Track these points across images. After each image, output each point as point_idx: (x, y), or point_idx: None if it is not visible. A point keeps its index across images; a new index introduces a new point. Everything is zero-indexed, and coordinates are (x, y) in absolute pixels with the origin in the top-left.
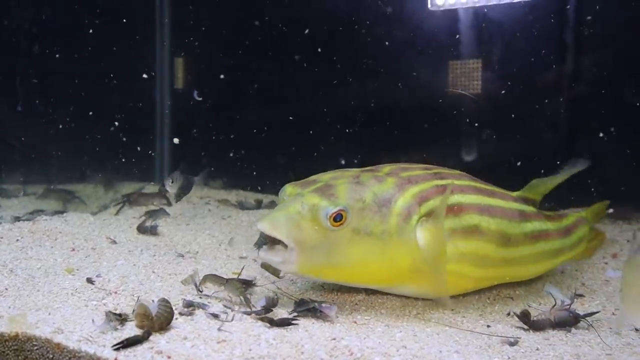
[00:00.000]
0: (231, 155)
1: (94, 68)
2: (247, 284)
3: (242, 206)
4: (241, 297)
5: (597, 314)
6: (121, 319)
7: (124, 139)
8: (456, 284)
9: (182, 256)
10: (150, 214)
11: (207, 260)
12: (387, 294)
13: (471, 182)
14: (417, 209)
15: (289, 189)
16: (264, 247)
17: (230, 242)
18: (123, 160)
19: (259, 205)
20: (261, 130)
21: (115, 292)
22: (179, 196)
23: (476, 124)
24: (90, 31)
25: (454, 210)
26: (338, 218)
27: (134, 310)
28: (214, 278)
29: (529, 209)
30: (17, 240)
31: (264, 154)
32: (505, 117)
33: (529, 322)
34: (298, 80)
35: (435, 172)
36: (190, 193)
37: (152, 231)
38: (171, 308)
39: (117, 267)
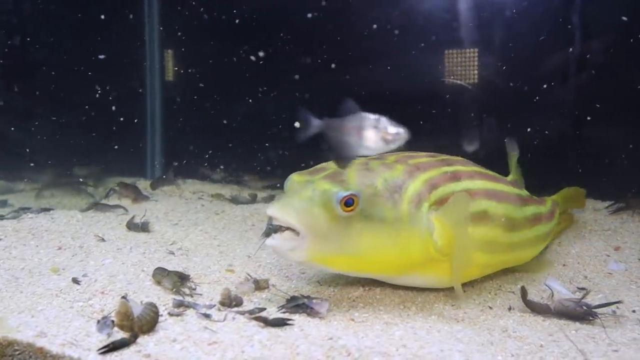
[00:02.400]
0: (224, 148)
1: (81, 61)
2: (184, 278)
3: (236, 201)
4: (175, 290)
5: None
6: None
7: (114, 134)
8: (463, 271)
9: (173, 253)
10: (99, 208)
11: (199, 257)
12: (385, 289)
13: (476, 167)
14: (427, 195)
15: (296, 177)
16: (273, 235)
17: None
18: (113, 155)
19: (253, 199)
20: (255, 122)
21: (102, 293)
22: None
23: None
24: (77, 23)
25: None
26: (349, 203)
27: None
28: (159, 271)
29: (524, 192)
30: (0, 239)
31: (258, 147)
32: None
33: (525, 299)
34: (293, 69)
35: (442, 159)
36: (183, 188)
37: (143, 228)
38: (157, 312)
39: (105, 266)
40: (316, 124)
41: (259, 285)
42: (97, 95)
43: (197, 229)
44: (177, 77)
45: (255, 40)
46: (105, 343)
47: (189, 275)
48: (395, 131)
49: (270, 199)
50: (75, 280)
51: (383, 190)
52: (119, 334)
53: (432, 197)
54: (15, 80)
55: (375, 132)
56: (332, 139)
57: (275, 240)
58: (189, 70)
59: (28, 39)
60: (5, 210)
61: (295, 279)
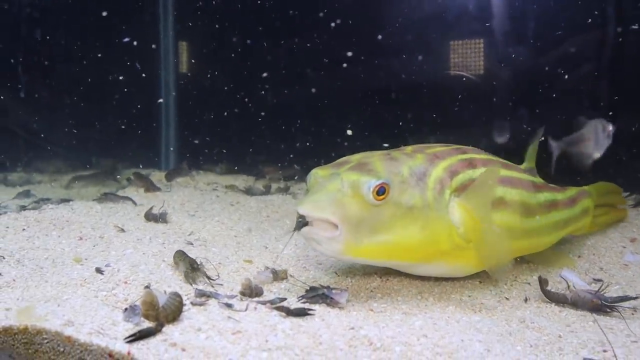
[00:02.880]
0: (238, 140)
1: (98, 54)
2: (194, 268)
3: (250, 192)
4: (186, 278)
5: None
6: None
7: (130, 126)
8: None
9: (192, 244)
10: (109, 198)
11: (217, 247)
12: (402, 280)
13: (488, 155)
14: (449, 182)
15: (319, 171)
16: (309, 229)
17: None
18: (129, 147)
19: (267, 190)
20: (270, 114)
21: (126, 282)
22: None
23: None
24: (94, 16)
25: None
26: (381, 191)
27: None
28: (179, 254)
29: (538, 179)
30: (24, 229)
31: (272, 139)
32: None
33: (544, 289)
34: (309, 62)
35: (455, 147)
36: (197, 179)
37: (161, 218)
38: (181, 302)
39: (126, 256)
40: (556, 145)
41: (278, 276)
42: (114, 89)
43: (214, 220)
44: (192, 71)
45: (274, 32)
46: (131, 332)
47: (199, 266)
48: (611, 126)
49: (284, 190)
50: (99, 270)
51: (410, 178)
52: (144, 323)
53: (454, 184)
54: (34, 74)
55: (605, 133)
56: (573, 154)
57: (312, 228)
58: (204, 64)
59: (47, 35)
60: (27, 200)
61: (312, 270)
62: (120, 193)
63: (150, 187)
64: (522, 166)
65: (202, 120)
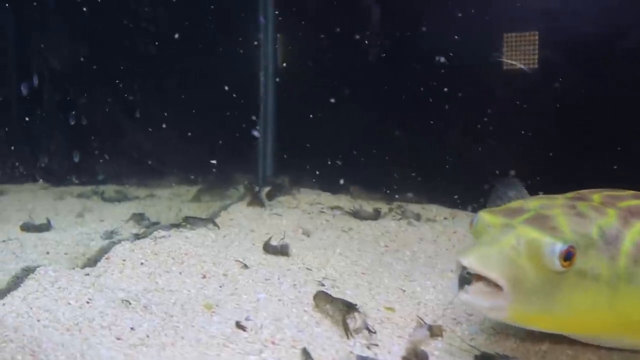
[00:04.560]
0: (349, 153)
1: (192, 60)
2: (351, 307)
3: (358, 215)
4: (341, 320)
5: None
6: None
7: (226, 138)
8: None
9: (323, 285)
10: (190, 222)
11: (350, 289)
12: (574, 343)
13: None
14: None
15: (487, 217)
16: (466, 287)
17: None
18: (225, 161)
19: (377, 214)
20: (386, 120)
21: (273, 343)
22: None
23: None
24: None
25: None
26: (569, 256)
27: None
28: (323, 296)
29: None
30: (142, 263)
31: (390, 152)
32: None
33: None
34: (429, 58)
35: None
36: (299, 198)
37: (283, 251)
38: None
39: (261, 302)
40: None
41: (433, 332)
42: (210, 102)
43: (336, 253)
44: (292, 74)
45: (384, 26)
46: None
47: (355, 305)
48: None
49: (392, 215)
50: (240, 325)
51: (598, 242)
52: None
53: None
54: (136, 83)
55: None
56: None
57: (470, 295)
58: (306, 65)
59: (154, 33)
60: (140, 227)
61: (464, 322)
62: (222, 212)
63: (254, 200)
64: None
65: (301, 133)
